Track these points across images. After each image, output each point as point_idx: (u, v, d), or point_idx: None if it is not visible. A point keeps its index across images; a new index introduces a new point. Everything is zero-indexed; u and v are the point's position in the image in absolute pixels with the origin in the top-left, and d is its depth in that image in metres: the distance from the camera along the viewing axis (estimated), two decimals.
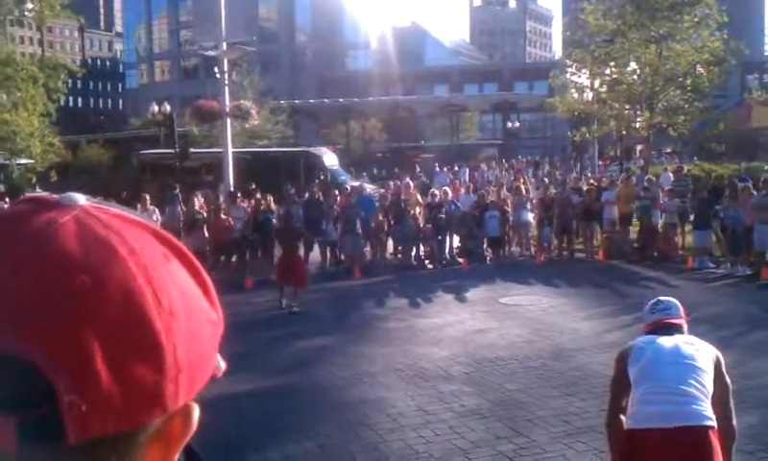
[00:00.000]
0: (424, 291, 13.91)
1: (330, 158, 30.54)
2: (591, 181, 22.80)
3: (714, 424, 3.51)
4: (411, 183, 19.15)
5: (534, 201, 18.94)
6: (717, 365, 3.72)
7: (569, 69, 32.54)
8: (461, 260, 17.35)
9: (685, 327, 3.97)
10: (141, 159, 31.69)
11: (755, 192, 15.23)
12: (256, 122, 23.26)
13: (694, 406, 3.54)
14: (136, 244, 0.61)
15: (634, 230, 18.21)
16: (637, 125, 28.55)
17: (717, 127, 30.63)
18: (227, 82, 19.90)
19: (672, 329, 3.89)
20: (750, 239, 14.58)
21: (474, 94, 69.76)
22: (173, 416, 0.61)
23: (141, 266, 0.59)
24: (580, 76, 32.09)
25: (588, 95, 31.45)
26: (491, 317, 11.68)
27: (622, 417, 3.76)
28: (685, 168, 23.20)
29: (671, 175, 22.79)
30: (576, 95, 32.55)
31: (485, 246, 18.18)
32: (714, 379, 3.65)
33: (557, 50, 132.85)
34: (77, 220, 0.60)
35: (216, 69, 19.85)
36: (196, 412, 0.65)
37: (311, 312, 12.44)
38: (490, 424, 6.83)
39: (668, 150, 44.01)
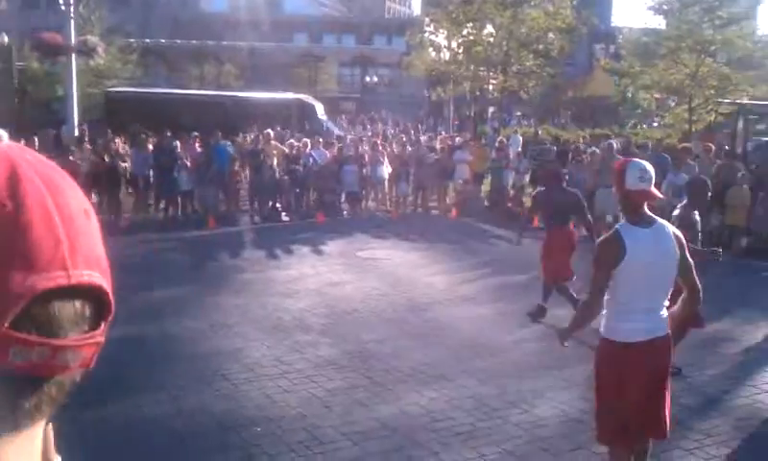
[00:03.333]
0: (281, 243, 13.83)
1: (320, 108, 29.43)
2: (447, 139, 23.32)
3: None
4: (271, 133, 18.84)
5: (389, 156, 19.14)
6: (681, 247, 4.21)
7: (427, 28, 32.89)
8: (318, 214, 17.36)
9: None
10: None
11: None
12: (102, 60, 21.98)
13: (664, 318, 4.20)
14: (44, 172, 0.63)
15: (486, 189, 18.87)
16: (491, 87, 29.40)
17: (565, 93, 32.04)
18: (72, 14, 18.69)
19: (648, 210, 4.26)
20: (591, 202, 15.42)
21: (333, 45, 69.30)
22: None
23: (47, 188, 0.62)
24: (437, 35, 32.51)
25: (446, 55, 31.96)
26: (347, 270, 11.79)
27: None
28: (539, 132, 24.20)
29: (521, 138, 23.73)
30: (434, 54, 33.00)
31: (342, 200, 18.28)
32: (680, 259, 4.18)
33: (416, 7, 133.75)
34: None
35: (60, 0, 18.62)
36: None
37: (163, 261, 12.09)
38: (346, 374, 6.93)
39: (518, 113, 45.59)
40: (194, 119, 22.18)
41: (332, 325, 8.60)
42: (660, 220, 4.28)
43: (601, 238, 4.36)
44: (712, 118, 26.85)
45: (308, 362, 7.25)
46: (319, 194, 18.02)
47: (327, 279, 11.01)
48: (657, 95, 30.13)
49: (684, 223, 6.12)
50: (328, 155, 18.41)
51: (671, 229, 4.27)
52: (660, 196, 4.39)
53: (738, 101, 25.43)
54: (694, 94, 26.77)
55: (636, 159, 4.47)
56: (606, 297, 4.22)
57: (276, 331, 8.27)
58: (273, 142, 18.46)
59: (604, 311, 4.25)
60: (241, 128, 21.11)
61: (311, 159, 17.80)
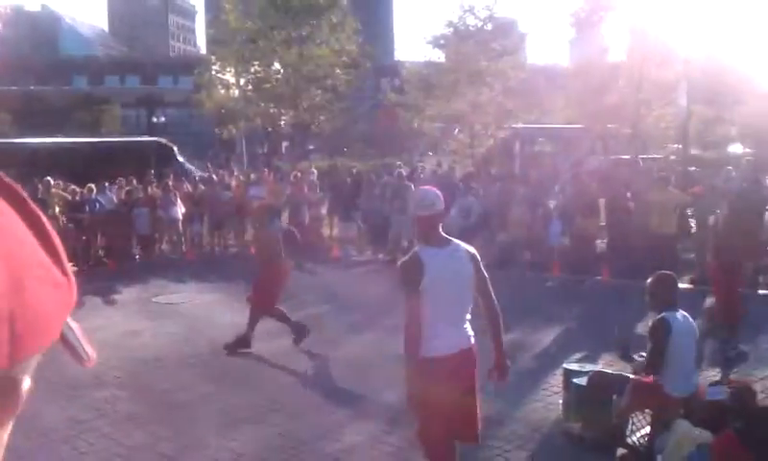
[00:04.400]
0: None
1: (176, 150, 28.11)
2: (240, 176, 23.09)
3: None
4: (51, 181, 17.70)
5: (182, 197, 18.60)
6: (475, 262, 4.40)
7: (214, 66, 32.58)
8: (108, 261, 16.53)
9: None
10: None
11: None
12: None
13: (468, 331, 4.40)
14: None
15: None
16: (282, 123, 29.59)
17: (355, 126, 32.90)
18: None
19: (440, 229, 4.41)
20: (388, 228, 15.93)
21: (116, 86, 66.76)
22: None
23: None
24: (225, 73, 32.30)
25: (235, 92, 31.79)
26: (144, 317, 11.29)
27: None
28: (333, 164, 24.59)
29: (315, 171, 23.99)
30: (223, 92, 32.70)
31: (134, 244, 17.54)
32: (475, 275, 4.37)
33: (201, 45, 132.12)
34: None
35: None
36: (25, 384, 0.59)
37: None
38: (148, 428, 6.60)
39: (311, 146, 46.19)
40: (49, 167, 20.87)
41: (130, 377, 8.18)
42: (455, 241, 4.46)
43: (401, 261, 4.49)
44: (491, 143, 28.57)
45: (106, 419, 6.83)
46: (108, 240, 17.18)
47: (123, 329, 10.48)
48: (441, 124, 31.73)
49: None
50: (115, 199, 17.63)
51: (466, 248, 4.46)
52: (440, 218, 4.50)
53: (514, 126, 27.33)
54: (474, 122, 28.43)
55: (421, 188, 4.69)
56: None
57: (70, 390, 7.71)
58: (53, 190, 17.35)
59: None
60: (101, 174, 19.72)
61: (97, 204, 16.94)
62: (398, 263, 4.48)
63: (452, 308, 4.36)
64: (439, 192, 4.55)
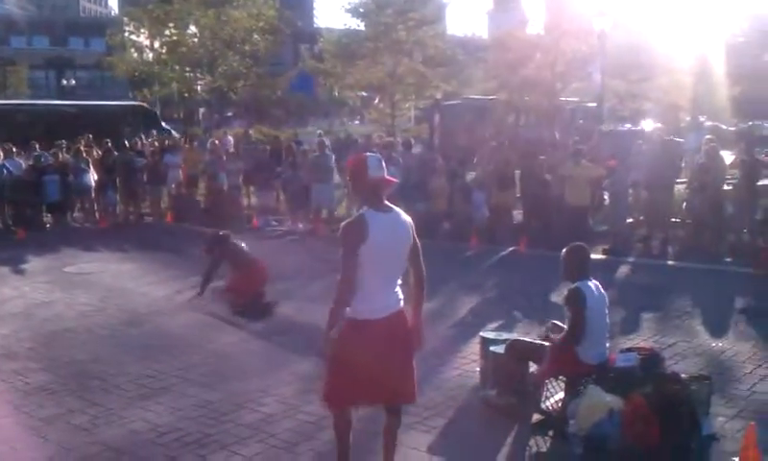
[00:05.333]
0: None
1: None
2: (155, 142, 22.54)
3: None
4: None
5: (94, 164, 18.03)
6: (412, 231, 4.54)
7: (127, 28, 31.58)
8: (17, 229, 15.93)
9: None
10: None
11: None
12: None
13: (399, 294, 4.51)
14: None
15: (201, 192, 18.54)
16: (199, 88, 28.95)
17: (274, 92, 32.49)
18: None
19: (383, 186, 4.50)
20: (308, 197, 15.85)
21: (23, 47, 63.94)
22: None
23: None
24: (139, 35, 31.36)
25: (149, 56, 30.92)
26: (56, 288, 10.94)
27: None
28: (251, 132, 24.23)
29: (231, 138, 23.63)
30: (136, 55, 31.75)
31: (44, 212, 16.96)
32: (412, 243, 4.51)
33: (113, 6, 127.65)
34: None
35: None
36: None
37: None
38: (61, 399, 6.42)
39: (230, 113, 45.40)
40: (36, 129, 22.29)
41: (41, 348, 7.93)
42: (396, 208, 4.55)
43: (346, 222, 4.47)
44: (411, 114, 28.67)
45: (17, 391, 6.61)
46: (17, 208, 16.55)
47: (33, 300, 10.14)
48: (362, 93, 31.64)
49: None
50: (24, 165, 16.98)
51: (405, 216, 4.56)
52: (395, 181, 4.67)
53: (436, 97, 27.47)
54: (395, 91, 28.42)
55: (365, 153, 4.72)
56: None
57: None
58: None
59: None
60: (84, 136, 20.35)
61: (5, 170, 16.27)
62: (342, 224, 4.47)
63: (386, 273, 4.46)
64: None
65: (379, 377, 4.42)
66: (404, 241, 4.48)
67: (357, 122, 35.19)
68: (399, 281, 4.56)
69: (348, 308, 4.40)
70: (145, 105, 30.20)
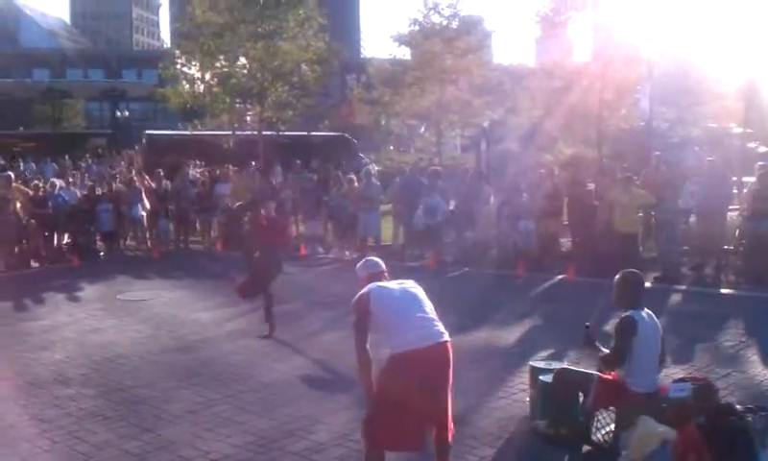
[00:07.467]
0: (31, 292, 12.82)
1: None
2: (206, 172, 22.88)
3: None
4: (11, 176, 17.38)
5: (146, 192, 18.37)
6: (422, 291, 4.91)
7: (179, 60, 32.19)
8: (71, 257, 16.30)
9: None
10: None
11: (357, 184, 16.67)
12: None
13: (437, 327, 4.67)
14: None
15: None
16: (248, 119, 29.34)
17: (322, 122, 32.81)
18: None
19: (383, 277, 5.06)
20: (355, 226, 15.93)
21: (79, 80, 65.72)
22: None
23: None
24: (190, 67, 31.91)
25: (200, 87, 31.44)
26: (109, 314, 11.16)
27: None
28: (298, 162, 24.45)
29: (279, 168, 23.86)
30: (188, 87, 32.32)
31: (98, 241, 17.33)
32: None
33: (165, 38, 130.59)
34: None
35: None
36: None
37: None
38: (113, 425, 6.52)
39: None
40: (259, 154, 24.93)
41: (95, 374, 8.08)
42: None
43: (353, 300, 4.81)
44: (458, 142, 28.63)
45: (70, 417, 6.73)
46: (72, 236, 16.95)
47: (87, 326, 10.36)
48: (409, 122, 31.73)
49: None
50: (79, 194, 17.40)
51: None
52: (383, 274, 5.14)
53: (484, 125, 27.40)
54: (441, 119, 28.44)
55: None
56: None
57: (32, 387, 7.60)
58: (14, 184, 17.05)
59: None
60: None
61: (60, 199, 16.69)
62: (353, 301, 4.81)
63: (408, 308, 4.70)
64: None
65: (421, 410, 4.50)
66: (412, 286, 4.88)
67: (403, 150, 35.29)
68: (435, 316, 4.74)
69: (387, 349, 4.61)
70: (346, 135, 33.33)
